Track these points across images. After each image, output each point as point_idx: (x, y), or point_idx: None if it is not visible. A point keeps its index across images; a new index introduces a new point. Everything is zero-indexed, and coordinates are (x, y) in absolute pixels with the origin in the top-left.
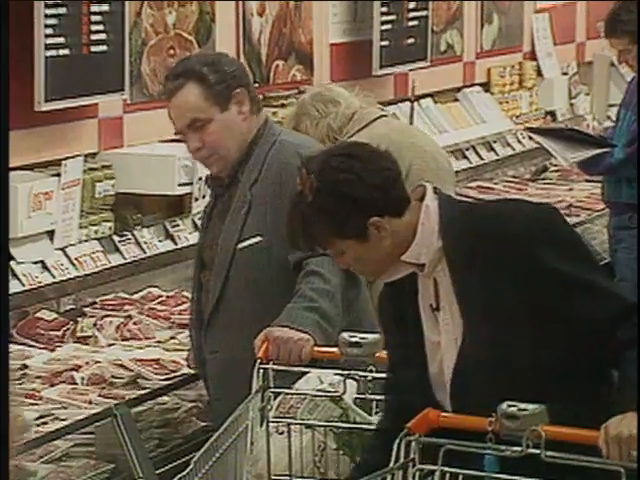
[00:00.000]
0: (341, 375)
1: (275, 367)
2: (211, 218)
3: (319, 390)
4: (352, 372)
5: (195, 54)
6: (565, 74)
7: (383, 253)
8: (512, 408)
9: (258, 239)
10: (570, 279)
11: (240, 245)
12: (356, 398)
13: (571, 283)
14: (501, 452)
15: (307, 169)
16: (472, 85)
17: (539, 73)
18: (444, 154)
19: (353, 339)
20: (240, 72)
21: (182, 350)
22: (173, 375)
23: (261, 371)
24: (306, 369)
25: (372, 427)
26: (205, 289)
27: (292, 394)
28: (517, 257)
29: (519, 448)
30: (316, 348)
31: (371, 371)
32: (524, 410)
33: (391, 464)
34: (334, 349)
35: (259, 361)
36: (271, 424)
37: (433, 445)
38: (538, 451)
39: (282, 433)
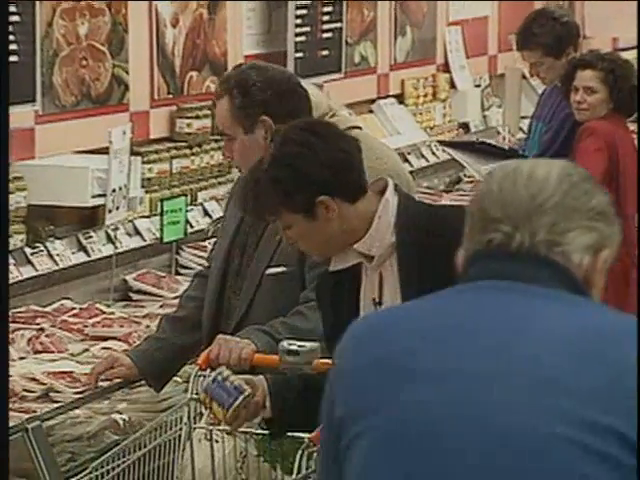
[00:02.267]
0: None
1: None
2: (243, 220)
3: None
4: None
5: (243, 66)
6: (478, 86)
7: (329, 235)
8: (293, 346)
9: (283, 269)
10: None
11: (268, 271)
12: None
13: None
14: None
15: (272, 138)
16: (386, 97)
17: (452, 85)
18: (408, 174)
19: (291, 347)
20: (276, 98)
21: (94, 363)
22: (86, 388)
23: (200, 379)
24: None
25: (292, 434)
26: (227, 303)
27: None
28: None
29: None
30: (256, 355)
31: None
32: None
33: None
34: (274, 356)
35: (197, 368)
36: (200, 431)
37: None
38: None
39: (210, 440)
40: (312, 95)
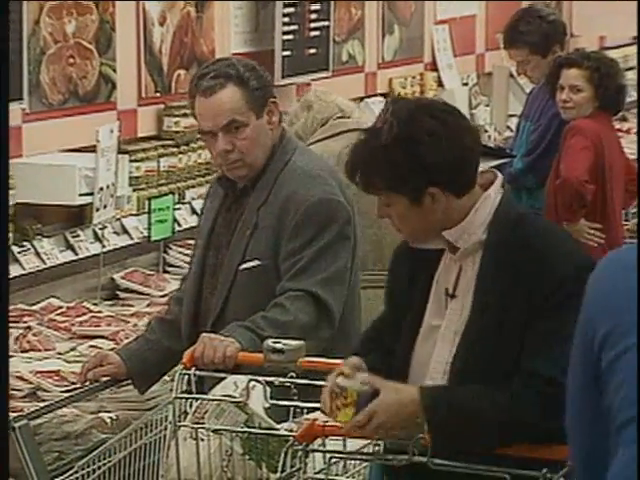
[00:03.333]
0: (257, 381)
1: (197, 372)
2: (216, 220)
3: (225, 395)
4: (257, 377)
5: (230, 58)
6: (465, 85)
7: (428, 224)
8: (277, 344)
9: (256, 263)
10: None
11: (242, 266)
12: (273, 405)
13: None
14: (388, 461)
15: (393, 110)
16: (374, 95)
17: (440, 84)
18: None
19: (276, 345)
20: (271, 82)
21: (82, 362)
22: (73, 387)
23: (185, 377)
24: (225, 375)
25: (276, 433)
26: (205, 303)
27: (198, 399)
28: (541, 292)
29: (405, 457)
30: (241, 353)
31: (292, 377)
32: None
33: (278, 473)
34: (259, 354)
35: (181, 367)
36: (185, 429)
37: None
38: (424, 459)
39: (196, 439)
40: (319, 100)
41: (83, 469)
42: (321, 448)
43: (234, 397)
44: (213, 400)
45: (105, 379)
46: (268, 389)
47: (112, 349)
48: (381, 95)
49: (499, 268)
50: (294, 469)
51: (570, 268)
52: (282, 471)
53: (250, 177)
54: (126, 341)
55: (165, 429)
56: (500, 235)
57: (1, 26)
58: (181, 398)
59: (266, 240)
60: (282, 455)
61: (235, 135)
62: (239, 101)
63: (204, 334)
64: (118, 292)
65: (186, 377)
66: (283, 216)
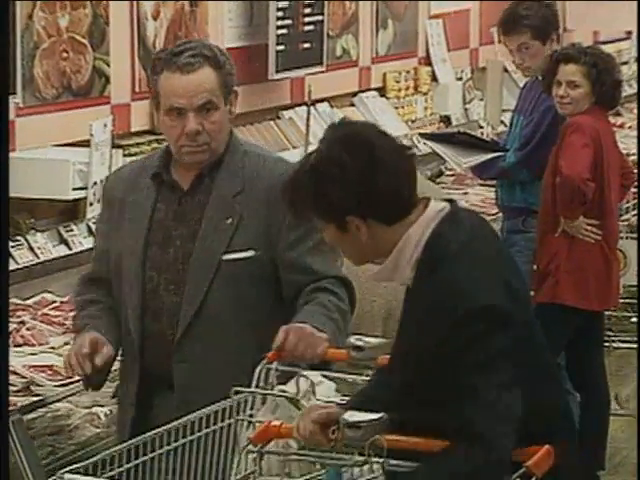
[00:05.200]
0: (328, 378)
1: (280, 367)
2: (153, 216)
3: (283, 391)
4: (326, 373)
5: (201, 39)
6: (459, 79)
7: (360, 251)
8: (359, 342)
9: (251, 253)
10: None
11: (226, 257)
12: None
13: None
14: (344, 462)
15: (326, 134)
16: (368, 90)
17: (434, 78)
18: None
19: (357, 342)
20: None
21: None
22: (67, 382)
23: (264, 371)
24: (298, 370)
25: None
26: (157, 298)
27: (256, 393)
28: (447, 330)
29: (362, 458)
30: (329, 350)
31: (367, 375)
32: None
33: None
34: (343, 351)
35: (265, 360)
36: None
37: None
38: (380, 460)
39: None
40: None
41: (145, 454)
42: (276, 450)
43: (288, 392)
44: (266, 394)
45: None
46: (334, 385)
47: (77, 332)
48: (375, 90)
49: (416, 312)
50: (248, 472)
51: (475, 309)
52: (236, 474)
53: (206, 165)
54: (76, 321)
55: (223, 421)
56: (424, 274)
57: (1, 31)
58: (241, 392)
59: (256, 230)
60: (237, 457)
61: (205, 117)
62: (215, 83)
63: (295, 325)
64: None
65: (265, 370)
66: (273, 205)
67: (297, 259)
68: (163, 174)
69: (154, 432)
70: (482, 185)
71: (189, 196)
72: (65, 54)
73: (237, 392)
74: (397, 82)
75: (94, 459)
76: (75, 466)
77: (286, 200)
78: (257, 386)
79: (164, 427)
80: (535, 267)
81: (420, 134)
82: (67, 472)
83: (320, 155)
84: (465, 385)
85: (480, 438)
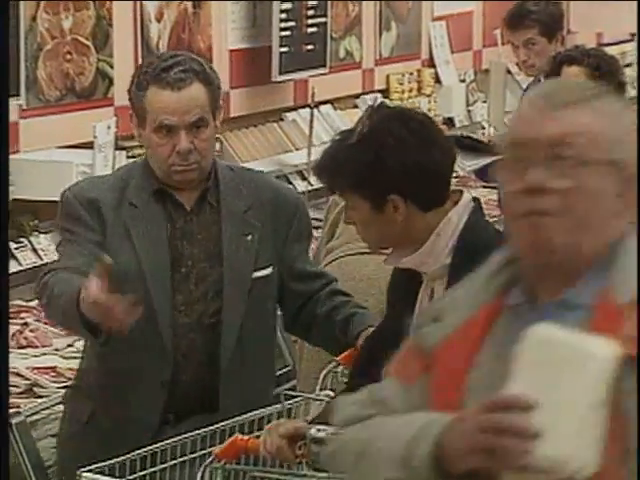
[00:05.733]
0: None
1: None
2: (158, 236)
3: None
4: None
5: (184, 52)
6: (462, 81)
7: (389, 233)
8: (321, 433)
9: (270, 270)
10: None
11: (255, 275)
12: None
13: None
14: (307, 478)
15: (371, 112)
16: (371, 92)
17: (437, 80)
18: None
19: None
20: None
21: (79, 357)
22: (70, 383)
23: (332, 375)
24: None
25: None
26: (187, 322)
27: (301, 397)
28: None
29: (325, 475)
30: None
31: None
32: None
33: None
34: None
35: (334, 364)
36: None
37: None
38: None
39: None
40: None
41: (174, 458)
42: (239, 467)
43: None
44: (309, 399)
45: None
46: None
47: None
48: (379, 91)
49: None
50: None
51: None
52: None
53: (197, 183)
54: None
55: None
56: (463, 257)
57: (2, 30)
58: (286, 396)
59: (268, 244)
60: (200, 474)
61: (196, 134)
62: (206, 99)
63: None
64: None
65: (332, 375)
66: (277, 218)
67: (305, 268)
68: (167, 191)
69: (188, 435)
70: (484, 187)
71: (194, 215)
72: (68, 56)
73: (286, 397)
74: (400, 84)
75: (119, 459)
76: (95, 466)
77: (324, 175)
78: (322, 389)
79: (202, 430)
80: None
81: None
82: (86, 471)
83: (372, 127)
84: None
85: None
